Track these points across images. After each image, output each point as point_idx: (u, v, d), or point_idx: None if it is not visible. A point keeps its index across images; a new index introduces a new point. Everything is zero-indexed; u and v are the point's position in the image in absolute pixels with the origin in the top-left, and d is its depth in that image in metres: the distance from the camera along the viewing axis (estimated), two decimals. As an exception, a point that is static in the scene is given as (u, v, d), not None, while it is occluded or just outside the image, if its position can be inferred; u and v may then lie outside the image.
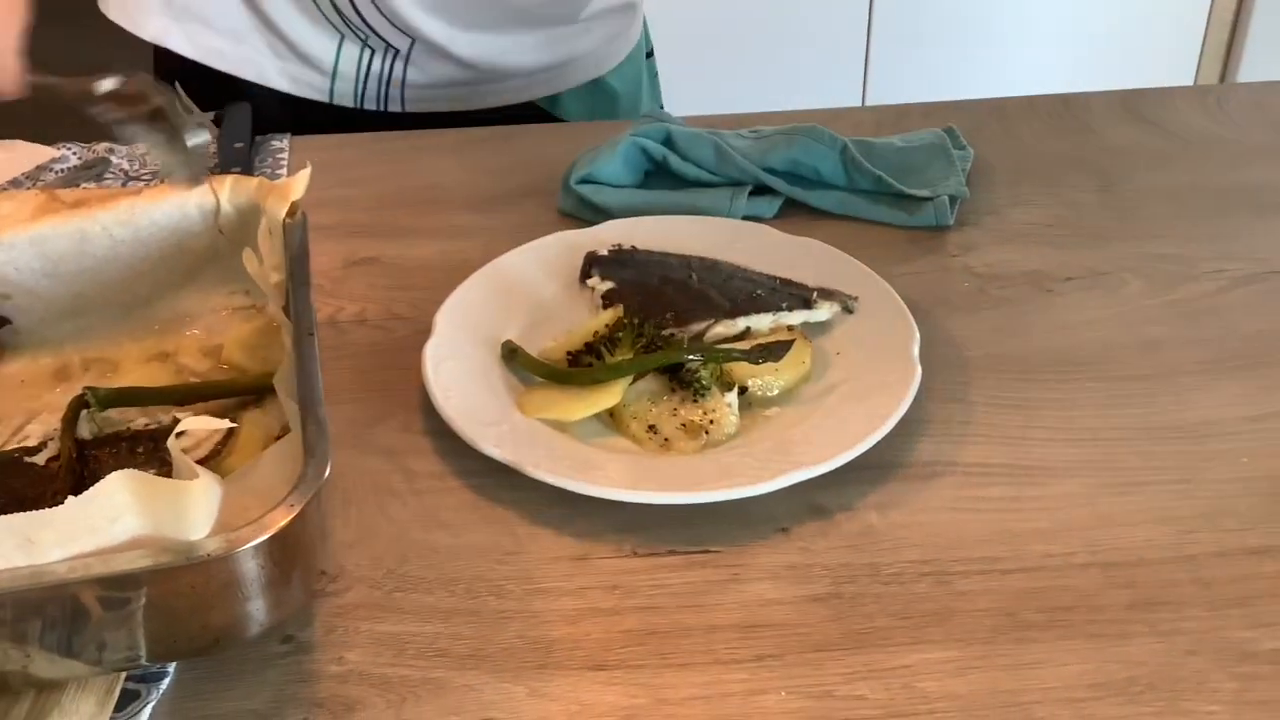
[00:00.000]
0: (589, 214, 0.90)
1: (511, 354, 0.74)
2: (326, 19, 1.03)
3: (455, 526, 0.66)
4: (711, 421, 0.69)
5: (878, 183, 0.90)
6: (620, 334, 0.73)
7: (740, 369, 0.71)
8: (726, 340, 0.76)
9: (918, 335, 0.74)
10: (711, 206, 0.89)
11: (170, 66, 1.08)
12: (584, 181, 0.91)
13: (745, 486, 0.64)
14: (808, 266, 0.81)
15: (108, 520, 0.49)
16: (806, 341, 0.75)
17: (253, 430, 0.66)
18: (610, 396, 0.69)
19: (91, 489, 0.48)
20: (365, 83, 1.06)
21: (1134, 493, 0.67)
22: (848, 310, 0.77)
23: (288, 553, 0.52)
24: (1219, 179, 0.95)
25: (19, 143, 0.98)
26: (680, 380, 0.71)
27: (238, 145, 0.95)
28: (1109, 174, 0.96)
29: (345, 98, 1.07)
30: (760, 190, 0.91)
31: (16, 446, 0.65)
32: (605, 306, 0.78)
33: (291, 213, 0.70)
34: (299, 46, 1.05)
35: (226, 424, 0.53)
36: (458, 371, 0.72)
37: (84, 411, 0.65)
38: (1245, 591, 0.61)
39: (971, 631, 0.59)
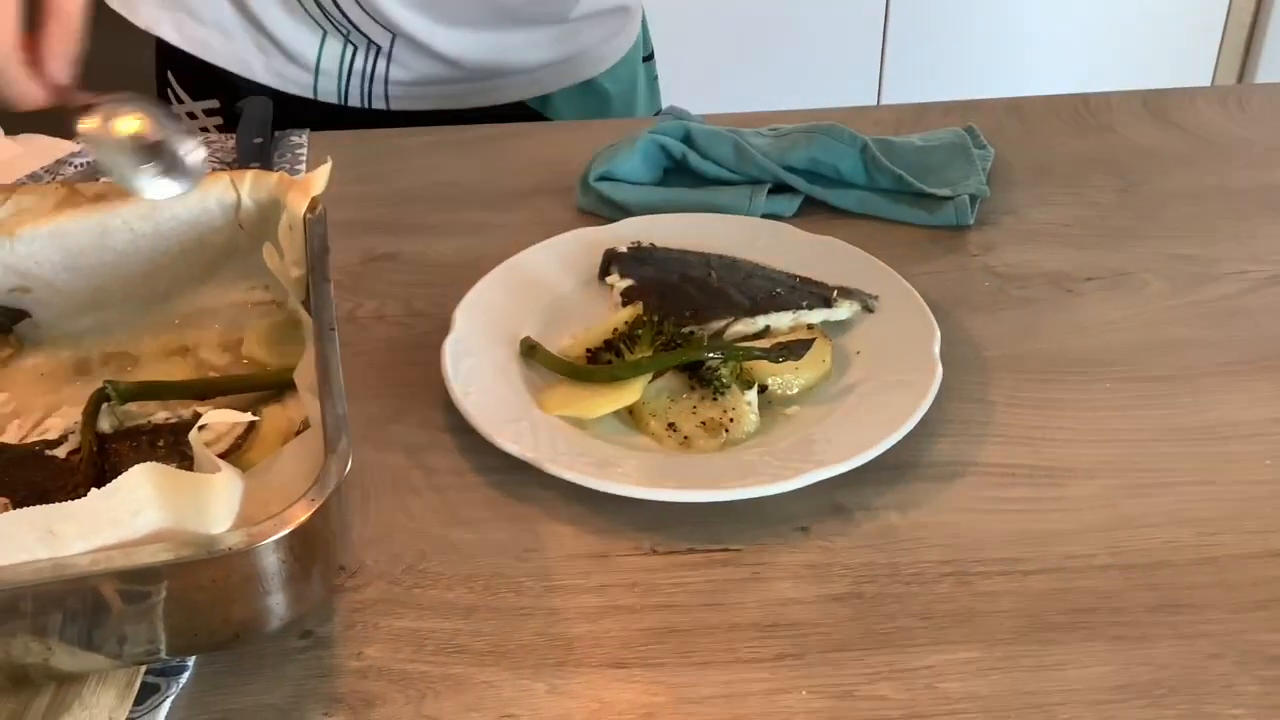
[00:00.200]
0: (607, 211, 0.90)
1: (531, 351, 0.74)
2: (309, 15, 1.03)
3: (474, 523, 0.65)
4: (731, 420, 0.69)
5: (898, 181, 0.90)
6: (640, 331, 0.73)
7: (760, 367, 0.71)
8: (746, 338, 0.75)
9: (939, 334, 0.73)
10: (731, 204, 0.89)
11: (170, 55, 1.09)
12: (603, 178, 0.91)
13: (765, 485, 0.64)
14: (827, 265, 0.81)
15: (130, 513, 0.49)
16: (827, 340, 0.74)
17: (273, 425, 0.66)
18: (630, 394, 0.69)
19: (114, 482, 0.48)
20: (348, 79, 1.06)
21: (1156, 494, 0.67)
22: (868, 309, 0.77)
23: (308, 547, 0.52)
24: (1241, 179, 0.95)
25: (38, 137, 0.99)
26: (700, 378, 0.71)
27: (257, 140, 0.95)
28: (1130, 174, 0.95)
29: (329, 95, 1.07)
30: (779, 189, 0.91)
31: (37, 439, 0.65)
32: (624, 304, 0.78)
33: (312, 208, 0.70)
34: (282, 42, 1.05)
35: (249, 417, 0.53)
36: (477, 368, 0.72)
37: (104, 405, 0.65)
38: (1269, 594, 0.61)
39: (993, 632, 0.59)
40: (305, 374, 0.61)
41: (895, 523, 0.65)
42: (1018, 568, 0.62)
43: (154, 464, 0.48)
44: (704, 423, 0.69)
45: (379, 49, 1.04)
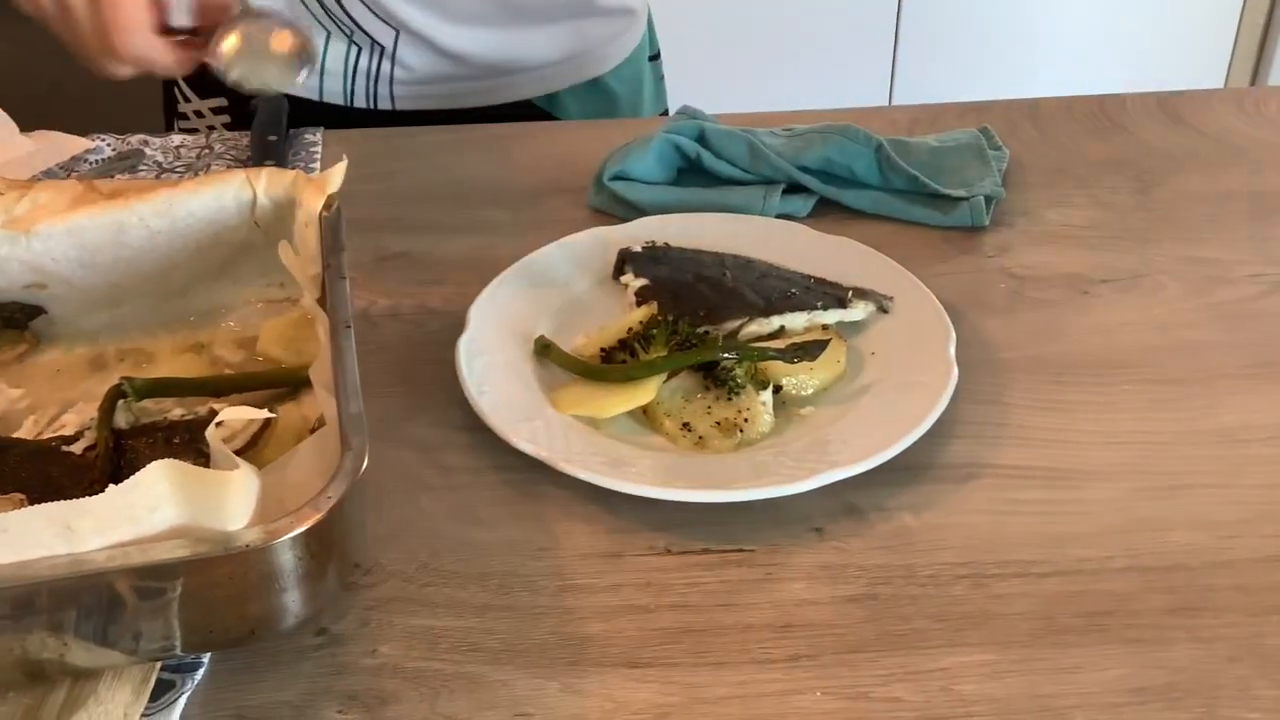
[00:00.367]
0: (620, 210, 0.90)
1: (545, 350, 0.74)
2: (312, 16, 1.03)
3: (489, 521, 0.65)
4: (746, 420, 0.69)
5: (913, 182, 0.90)
6: (654, 331, 0.72)
7: (775, 368, 0.71)
8: (760, 339, 0.75)
9: (954, 336, 0.73)
10: (745, 204, 0.89)
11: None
12: (617, 178, 0.91)
13: (780, 485, 0.64)
14: (842, 266, 0.80)
15: (147, 509, 0.49)
16: (842, 341, 0.74)
17: (288, 422, 0.66)
18: (644, 393, 0.69)
19: (132, 478, 0.48)
20: (353, 80, 1.06)
21: (1172, 497, 0.66)
22: (883, 310, 0.77)
23: (324, 545, 0.52)
24: (1257, 182, 0.94)
25: (53, 133, 0.99)
26: (715, 378, 0.70)
27: (271, 138, 0.95)
28: (1145, 176, 0.95)
29: (335, 96, 1.07)
30: (793, 189, 0.91)
31: (53, 435, 0.66)
32: (639, 303, 0.78)
33: (328, 206, 0.70)
34: None
35: (265, 414, 0.53)
36: (491, 366, 0.72)
37: (121, 401, 0.65)
38: (1287, 598, 0.60)
39: (1009, 635, 0.58)
40: (321, 371, 0.61)
41: (910, 524, 0.65)
42: (1033, 570, 0.62)
43: (172, 460, 0.49)
44: (719, 423, 0.69)
45: (382, 49, 1.04)
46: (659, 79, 1.21)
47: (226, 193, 0.72)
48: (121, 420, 0.65)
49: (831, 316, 0.76)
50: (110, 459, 0.62)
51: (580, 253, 0.83)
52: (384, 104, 1.08)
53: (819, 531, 0.64)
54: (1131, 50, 2.40)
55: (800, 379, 0.71)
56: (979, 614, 0.60)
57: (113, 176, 0.93)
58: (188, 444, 0.62)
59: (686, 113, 0.97)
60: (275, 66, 0.71)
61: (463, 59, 1.06)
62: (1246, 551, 0.63)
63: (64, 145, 0.97)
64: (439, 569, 0.62)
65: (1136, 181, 0.94)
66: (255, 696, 0.56)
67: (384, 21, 1.02)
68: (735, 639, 0.59)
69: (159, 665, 0.56)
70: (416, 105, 1.08)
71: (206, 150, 0.98)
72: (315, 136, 1.00)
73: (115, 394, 0.65)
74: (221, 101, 1.09)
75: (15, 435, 0.67)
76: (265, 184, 0.72)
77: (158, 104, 1.16)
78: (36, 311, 0.73)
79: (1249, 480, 0.67)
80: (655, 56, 1.20)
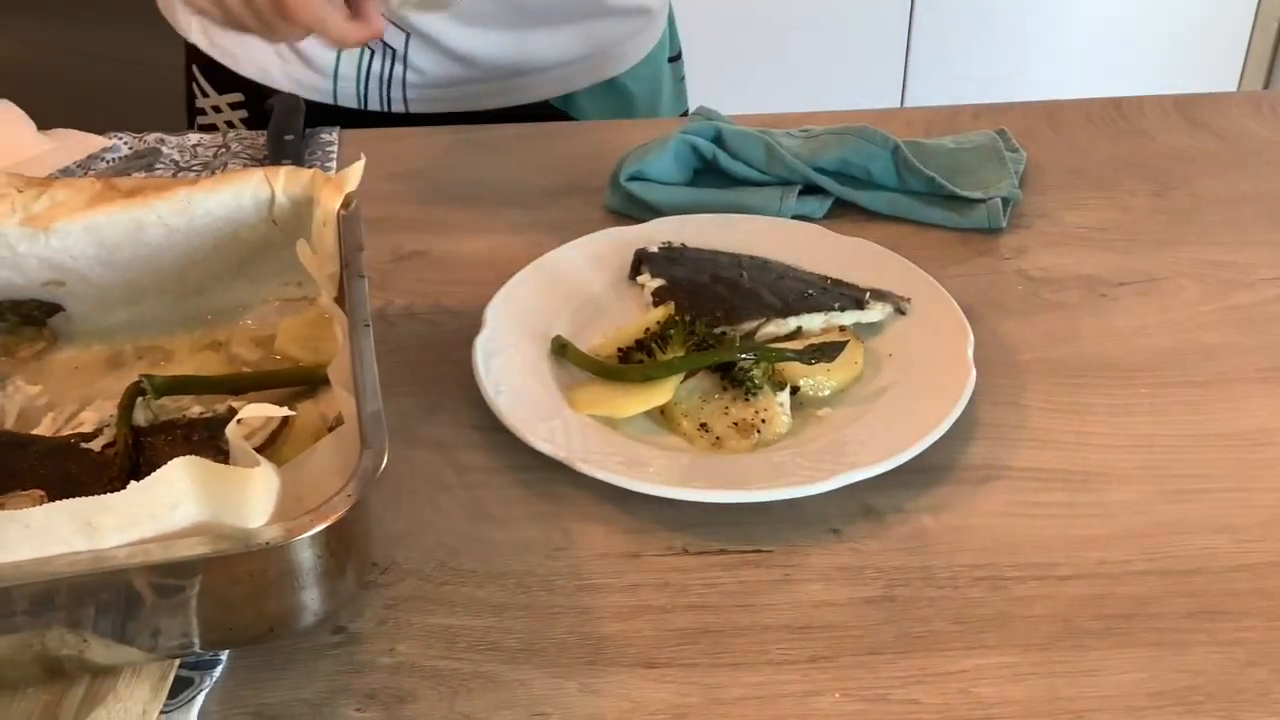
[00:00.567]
0: (636, 211, 0.90)
1: (562, 349, 0.74)
2: None
3: (505, 521, 0.65)
4: (763, 420, 0.69)
5: (929, 184, 0.90)
6: (671, 331, 0.72)
7: (792, 369, 0.71)
8: (777, 339, 0.75)
9: (972, 337, 0.73)
10: (761, 205, 0.89)
11: (197, 53, 1.10)
12: (633, 178, 0.91)
13: (797, 486, 0.64)
14: (859, 267, 0.80)
15: (168, 506, 0.49)
16: (859, 342, 0.74)
17: (305, 420, 0.66)
18: (662, 394, 0.69)
19: (153, 475, 0.48)
20: (366, 83, 1.06)
21: (1191, 500, 0.66)
22: (900, 311, 0.77)
23: (344, 543, 0.52)
24: (1274, 185, 0.94)
25: (71, 132, 0.99)
26: (732, 379, 0.70)
27: (288, 138, 0.95)
28: (1163, 178, 0.95)
29: (349, 99, 1.07)
30: (810, 190, 0.91)
31: (72, 432, 0.66)
32: (656, 303, 0.77)
33: (346, 205, 0.70)
34: (300, 49, 1.05)
35: (285, 412, 0.53)
36: (508, 366, 0.72)
37: (140, 399, 0.65)
38: (1307, 603, 0.60)
39: (1028, 638, 0.58)
40: (340, 370, 0.61)
41: (928, 526, 0.65)
42: (1052, 573, 0.62)
43: (193, 458, 0.49)
44: (736, 423, 0.69)
45: (394, 51, 1.05)
46: (679, 80, 1.21)
47: (245, 191, 0.72)
48: (140, 418, 0.65)
49: (849, 318, 0.76)
50: (129, 456, 0.62)
51: (597, 253, 0.83)
52: (397, 107, 1.08)
53: (837, 533, 0.64)
54: (1144, 53, 2.40)
55: (818, 380, 0.71)
56: (998, 616, 0.59)
57: (129, 175, 0.93)
58: (206, 441, 0.62)
59: (703, 113, 0.97)
60: (429, 6, 0.74)
61: (474, 61, 1.06)
62: (1266, 555, 0.63)
63: (81, 143, 0.97)
64: (456, 568, 0.62)
65: (1154, 184, 0.94)
66: (273, 694, 0.56)
67: (394, 24, 1.03)
68: (753, 640, 0.59)
69: (177, 662, 0.56)
70: (430, 108, 1.08)
71: (223, 149, 0.98)
72: (331, 136, 1.00)
73: (134, 391, 0.65)
74: (238, 97, 1.10)
75: (34, 432, 0.67)
76: (283, 183, 0.72)
77: (174, 103, 1.16)
78: (55, 309, 0.73)
79: (1268, 484, 0.67)
80: (675, 57, 1.20)
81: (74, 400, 0.69)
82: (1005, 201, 0.88)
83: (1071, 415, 0.72)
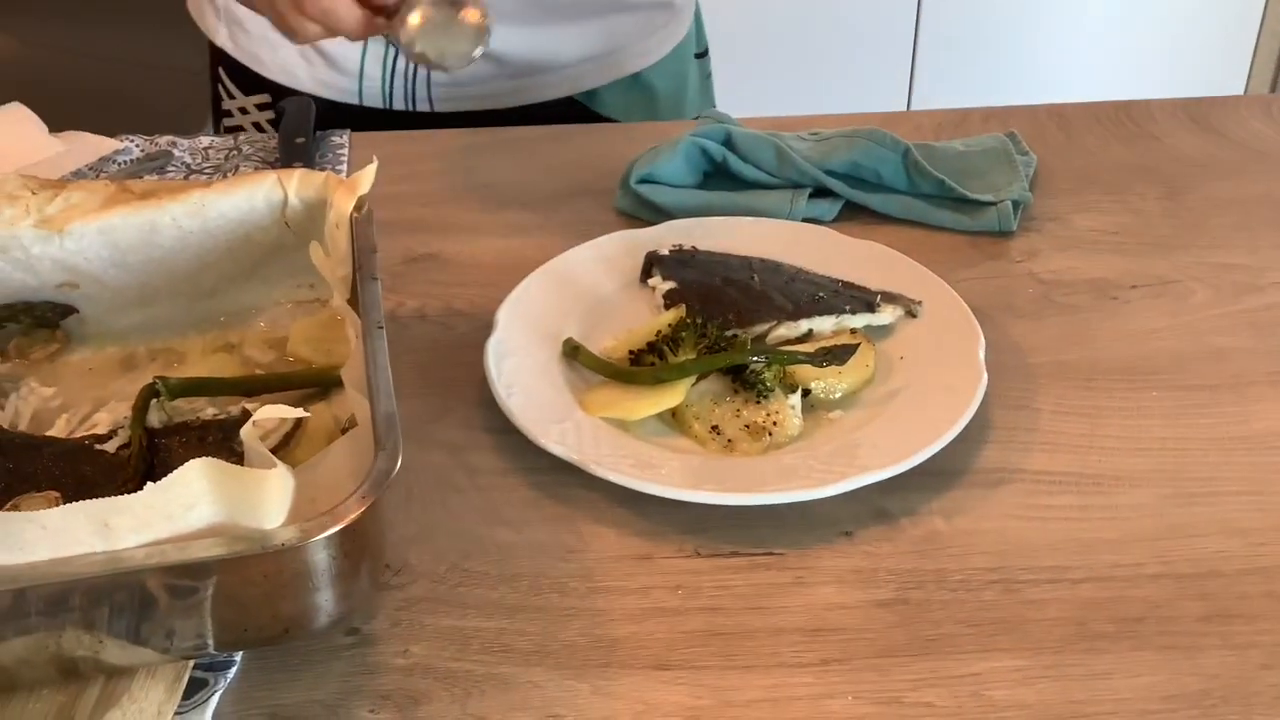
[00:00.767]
0: (647, 213, 0.90)
1: (573, 352, 0.74)
2: None
3: (517, 523, 0.65)
4: (775, 423, 0.69)
5: (940, 187, 0.90)
6: (683, 334, 0.72)
7: (803, 371, 0.71)
8: (788, 342, 0.75)
9: (983, 340, 0.73)
10: (771, 208, 0.89)
11: (222, 55, 1.11)
12: (644, 181, 0.91)
13: (809, 489, 0.64)
14: (869, 269, 0.80)
15: (184, 507, 0.49)
16: (870, 345, 0.74)
17: (318, 422, 0.66)
18: (673, 396, 0.69)
19: (169, 476, 0.49)
20: (391, 82, 1.06)
21: (1203, 503, 0.66)
22: (911, 314, 0.77)
23: (358, 544, 0.52)
24: (1286, 188, 0.94)
25: (82, 134, 0.99)
26: (743, 381, 0.70)
27: (299, 140, 0.95)
28: (1173, 182, 0.95)
29: (374, 99, 1.08)
30: (820, 193, 0.91)
31: (87, 434, 0.66)
32: (667, 306, 0.78)
33: (359, 207, 0.70)
34: (326, 50, 1.06)
35: (300, 413, 0.54)
36: (519, 368, 0.72)
37: (154, 400, 0.66)
38: (1320, 606, 0.60)
39: (1041, 641, 0.58)
40: (353, 372, 0.61)
41: (940, 529, 0.65)
42: (1065, 576, 0.62)
43: (210, 459, 0.49)
44: (747, 426, 0.69)
45: None
46: (706, 76, 1.21)
47: (258, 194, 0.72)
48: (154, 419, 0.65)
49: (860, 320, 0.76)
50: (144, 458, 0.62)
51: (608, 255, 0.83)
52: (422, 105, 1.08)
53: (849, 535, 0.64)
54: (1150, 56, 2.40)
55: (829, 383, 0.71)
56: (1010, 619, 0.59)
57: (141, 177, 0.94)
58: (221, 443, 0.62)
59: (712, 117, 0.97)
60: (456, 44, 0.74)
61: (498, 57, 1.06)
62: (1279, 558, 0.63)
63: (93, 146, 0.98)
64: (469, 570, 0.63)
65: (1164, 187, 0.94)
66: (288, 695, 0.56)
67: None
68: (765, 642, 0.59)
69: (192, 664, 0.56)
70: (455, 107, 1.08)
71: (235, 152, 0.98)
72: (342, 138, 1.00)
73: (148, 393, 0.65)
74: (265, 98, 1.10)
75: (48, 434, 0.67)
76: (297, 185, 0.72)
77: (185, 105, 1.17)
78: (68, 311, 0.73)
79: (1280, 487, 0.67)
80: (702, 54, 1.20)
81: (88, 402, 0.69)
82: (1016, 204, 0.88)
83: (1083, 418, 0.72)
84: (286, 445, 0.64)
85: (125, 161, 0.97)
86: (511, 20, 1.04)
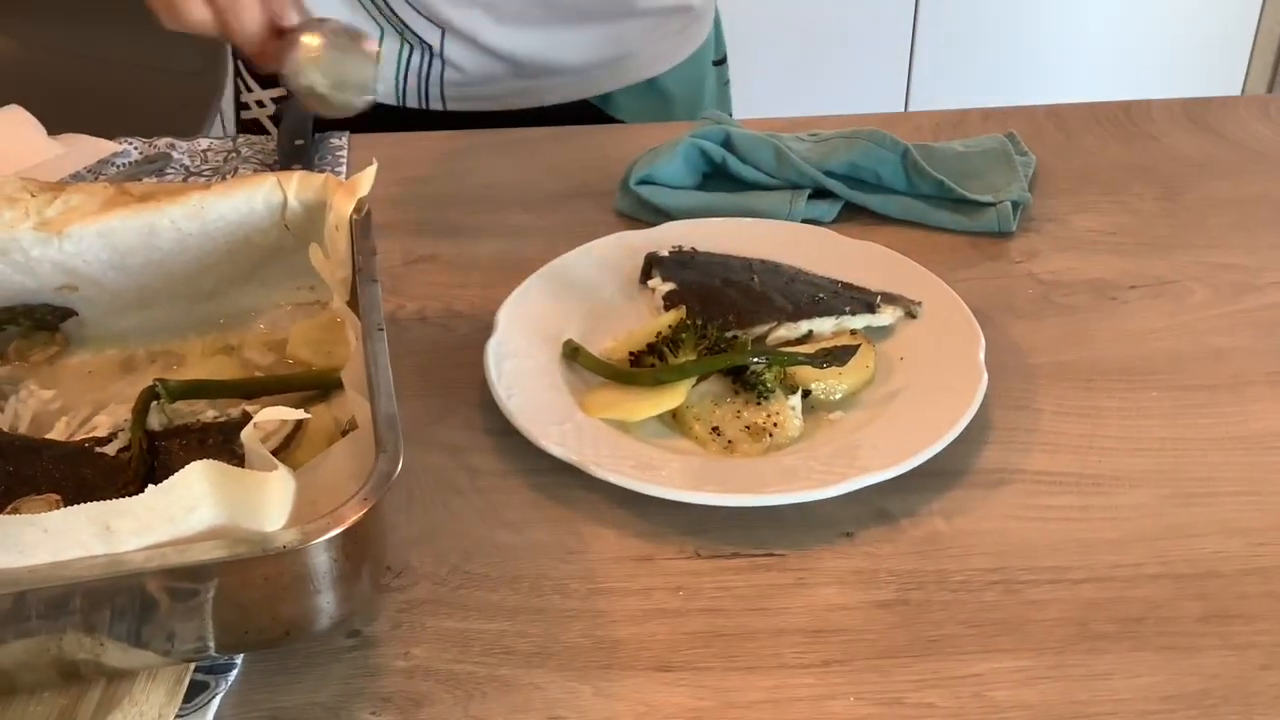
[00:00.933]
0: (646, 215, 0.90)
1: (573, 353, 0.74)
2: (366, 13, 1.04)
3: (518, 525, 0.65)
4: (775, 424, 0.69)
5: (939, 187, 0.90)
6: (683, 335, 0.72)
7: (804, 372, 0.71)
8: (788, 343, 0.75)
9: (983, 341, 0.73)
10: (770, 209, 0.89)
11: (243, 54, 1.10)
12: (643, 182, 0.91)
13: (810, 490, 0.64)
14: (869, 271, 0.80)
15: (185, 510, 0.49)
16: (870, 346, 0.74)
17: (319, 425, 0.66)
18: (674, 397, 0.69)
19: (171, 478, 0.48)
20: (405, 79, 1.07)
21: (1203, 503, 0.66)
22: (911, 315, 0.77)
23: (360, 546, 0.52)
24: (1284, 189, 0.94)
25: (81, 136, 0.99)
26: (744, 382, 0.70)
27: (298, 143, 0.95)
28: (1172, 182, 0.95)
29: (387, 96, 1.08)
30: (819, 194, 0.91)
31: (87, 437, 0.66)
32: (667, 307, 0.78)
33: (358, 209, 0.70)
34: None
35: (301, 414, 0.54)
36: (519, 370, 0.72)
37: (154, 403, 0.66)
38: (1320, 606, 0.60)
39: (1042, 641, 0.58)
40: (353, 374, 0.61)
41: (941, 529, 0.65)
42: (1066, 576, 0.62)
43: (211, 461, 0.49)
44: (748, 427, 0.69)
45: (430, 47, 1.05)
46: (724, 84, 1.20)
47: (257, 196, 0.72)
48: (154, 422, 0.65)
49: (860, 321, 0.76)
50: (144, 460, 0.62)
51: (608, 257, 0.83)
52: (435, 104, 1.08)
53: (850, 536, 0.64)
54: (1148, 57, 2.40)
55: (829, 384, 0.71)
56: (1011, 620, 0.59)
57: (140, 180, 0.94)
58: (221, 445, 0.62)
59: (712, 118, 0.97)
60: (351, 76, 0.71)
61: (510, 59, 1.06)
62: (1279, 558, 0.63)
63: (91, 148, 0.98)
64: (470, 572, 0.63)
65: (1163, 188, 0.94)
66: (289, 698, 0.56)
67: (429, 20, 1.04)
68: (767, 643, 0.59)
69: (193, 666, 0.56)
70: (468, 106, 1.08)
71: (233, 154, 0.98)
72: (341, 140, 1.00)
73: (148, 396, 0.65)
74: (280, 91, 1.11)
75: (48, 437, 0.67)
76: (296, 187, 0.72)
77: (184, 108, 1.17)
78: (67, 313, 0.73)
79: (1279, 486, 0.67)
80: (720, 61, 1.19)
81: (87, 405, 0.69)
82: (1015, 205, 0.88)
83: (1083, 418, 0.72)
84: (287, 447, 0.64)
85: (124, 164, 0.97)
86: (523, 22, 1.04)
